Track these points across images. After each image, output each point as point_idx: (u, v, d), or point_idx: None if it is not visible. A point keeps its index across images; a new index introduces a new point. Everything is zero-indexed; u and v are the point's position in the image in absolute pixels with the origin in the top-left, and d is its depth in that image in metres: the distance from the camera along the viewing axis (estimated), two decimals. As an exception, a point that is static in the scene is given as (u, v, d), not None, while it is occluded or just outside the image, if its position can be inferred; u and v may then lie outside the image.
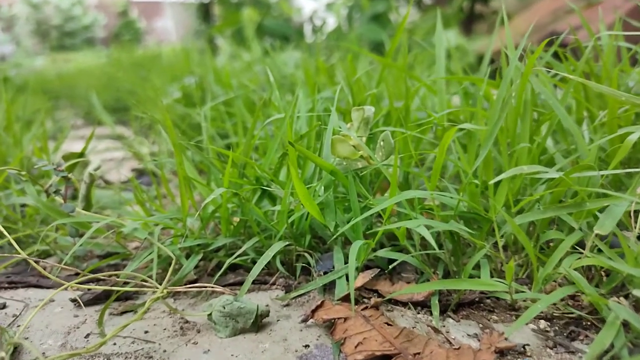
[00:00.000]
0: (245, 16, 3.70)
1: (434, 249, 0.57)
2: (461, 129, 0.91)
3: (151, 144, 1.96)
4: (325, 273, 0.69)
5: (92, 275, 0.61)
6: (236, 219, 0.78)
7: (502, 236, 0.64)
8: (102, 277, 0.68)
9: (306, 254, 0.72)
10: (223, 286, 0.74)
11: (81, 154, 0.77)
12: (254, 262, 0.77)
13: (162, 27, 15.19)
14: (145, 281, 0.63)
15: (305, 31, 4.80)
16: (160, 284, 0.73)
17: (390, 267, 0.66)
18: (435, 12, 4.36)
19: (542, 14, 3.15)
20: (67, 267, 0.64)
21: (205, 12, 6.44)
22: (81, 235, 0.74)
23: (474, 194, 0.64)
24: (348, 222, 0.70)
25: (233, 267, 0.77)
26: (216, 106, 1.39)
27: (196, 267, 0.78)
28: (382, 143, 0.70)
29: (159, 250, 0.70)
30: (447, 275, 0.71)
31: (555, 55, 1.13)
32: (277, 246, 0.67)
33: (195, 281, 0.75)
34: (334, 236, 0.68)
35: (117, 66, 3.76)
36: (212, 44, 4.88)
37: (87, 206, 0.75)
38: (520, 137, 0.66)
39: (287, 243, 0.69)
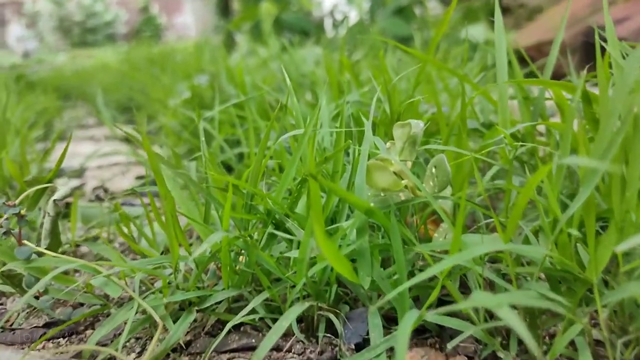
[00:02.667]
0: (263, 10, 3.54)
1: (520, 334, 0.39)
2: (523, 145, 0.72)
3: (160, 147, 1.81)
4: (357, 346, 0.51)
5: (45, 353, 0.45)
6: (242, 260, 0.62)
7: (604, 306, 0.47)
8: (64, 351, 0.52)
9: (331, 315, 0.55)
10: (224, 352, 0.58)
11: (50, 180, 0.61)
12: (262, 319, 0.60)
13: (182, 23, 15.19)
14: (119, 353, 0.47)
15: (326, 26, 4.64)
16: (140, 356, 0.57)
17: (449, 346, 0.48)
18: (461, 5, 4.14)
19: (578, 6, 2.92)
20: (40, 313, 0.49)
21: (224, 7, 6.33)
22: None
23: (565, 245, 0.46)
24: (387, 277, 0.53)
25: (237, 324, 0.61)
26: (227, 108, 1.22)
27: (193, 320, 0.62)
28: (434, 170, 0.53)
29: (140, 307, 0.54)
30: (519, 343, 0.53)
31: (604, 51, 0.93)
32: (295, 311, 0.50)
33: (188, 343, 0.59)
34: (376, 305, 0.51)
35: (131, 63, 3.63)
36: (231, 39, 4.73)
37: (54, 244, 0.59)
38: (629, 166, 0.48)
39: (307, 305, 0.52)
